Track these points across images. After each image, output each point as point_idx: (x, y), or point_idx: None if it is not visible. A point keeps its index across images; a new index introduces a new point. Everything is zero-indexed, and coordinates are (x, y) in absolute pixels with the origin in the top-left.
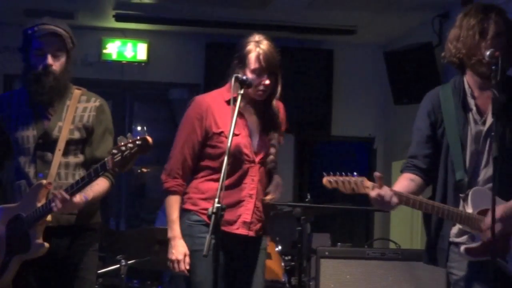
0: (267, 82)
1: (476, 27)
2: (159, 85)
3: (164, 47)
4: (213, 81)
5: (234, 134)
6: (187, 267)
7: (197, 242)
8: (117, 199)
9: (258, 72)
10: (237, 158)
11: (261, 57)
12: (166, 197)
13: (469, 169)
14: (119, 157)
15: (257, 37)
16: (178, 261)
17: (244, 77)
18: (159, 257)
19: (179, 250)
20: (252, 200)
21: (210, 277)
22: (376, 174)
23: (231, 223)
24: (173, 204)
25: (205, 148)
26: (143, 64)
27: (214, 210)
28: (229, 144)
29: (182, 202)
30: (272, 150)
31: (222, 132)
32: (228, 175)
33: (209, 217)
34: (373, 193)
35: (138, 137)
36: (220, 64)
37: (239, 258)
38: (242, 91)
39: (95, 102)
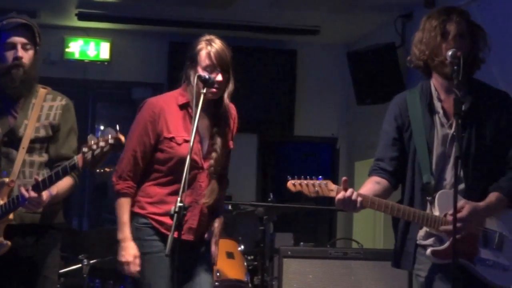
0: (220, 78)
1: (438, 28)
2: (122, 84)
3: (127, 46)
4: (177, 81)
5: (185, 141)
6: (138, 269)
7: (146, 245)
8: (80, 199)
9: (210, 69)
10: (185, 164)
11: (212, 54)
12: (116, 199)
13: (436, 172)
14: (90, 156)
15: (208, 36)
16: (128, 263)
17: (207, 76)
18: None
19: (129, 252)
20: (199, 206)
21: (159, 280)
22: (343, 178)
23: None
24: (123, 206)
25: (155, 152)
26: (106, 63)
27: (176, 209)
28: (191, 145)
29: (132, 204)
30: (214, 155)
31: (173, 137)
32: (176, 180)
33: (171, 216)
34: (338, 196)
35: (110, 136)
36: (183, 63)
37: (185, 263)
38: (204, 90)
39: (61, 101)
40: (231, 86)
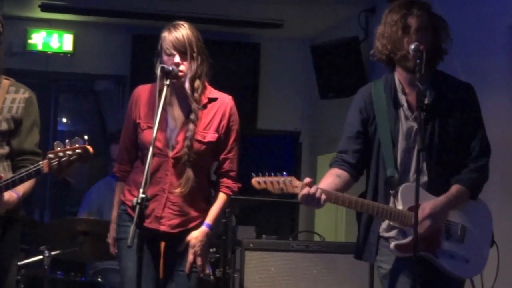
0: (177, 59)
1: (399, 22)
2: (85, 76)
3: (90, 38)
4: (140, 73)
5: (149, 127)
6: (116, 251)
7: (121, 230)
8: (41, 190)
9: (169, 52)
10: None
11: (168, 38)
12: (116, 182)
13: (400, 166)
14: (56, 163)
15: (173, 23)
16: (110, 245)
17: (171, 68)
18: (83, 248)
19: (110, 234)
20: (165, 194)
21: (131, 266)
22: (306, 179)
23: (146, 217)
24: (117, 189)
25: (136, 137)
26: (69, 55)
27: (139, 201)
28: (154, 135)
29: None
30: (186, 143)
31: (139, 123)
32: (143, 168)
33: (133, 208)
34: (302, 192)
35: (78, 145)
36: (146, 56)
37: (165, 251)
38: (168, 82)
39: (24, 93)
40: (193, 69)
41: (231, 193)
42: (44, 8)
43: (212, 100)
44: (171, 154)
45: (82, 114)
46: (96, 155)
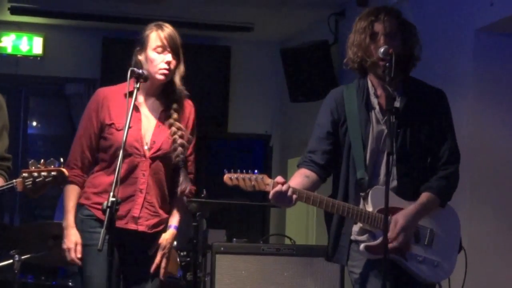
0: (169, 58)
1: (367, 29)
2: (55, 79)
3: (60, 41)
4: (110, 76)
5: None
6: (79, 256)
7: (88, 237)
8: (11, 194)
9: (160, 49)
10: (126, 151)
11: (162, 35)
12: (64, 187)
13: (369, 168)
14: (30, 183)
15: (156, 22)
16: (69, 250)
17: (141, 71)
18: (54, 252)
19: (70, 239)
20: (142, 194)
21: (99, 273)
22: (278, 177)
23: (121, 217)
24: (69, 193)
25: (100, 140)
26: (38, 58)
27: (109, 204)
28: (124, 138)
29: (80, 196)
30: (180, 141)
31: (112, 123)
32: (111, 170)
33: (104, 211)
34: (274, 190)
35: (53, 167)
36: (117, 59)
37: (132, 253)
38: (138, 85)
39: None
40: (182, 69)
41: (190, 196)
42: (14, 11)
43: (185, 97)
44: (148, 154)
45: (52, 117)
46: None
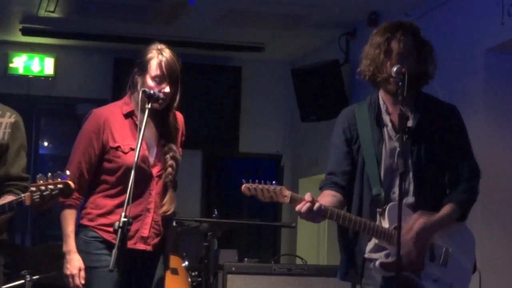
0: (167, 90)
1: (382, 46)
2: (66, 100)
3: (72, 61)
4: (121, 96)
5: (131, 149)
6: (82, 282)
7: (94, 259)
8: (22, 214)
9: (159, 79)
10: (135, 172)
11: (163, 64)
12: (61, 211)
13: (385, 185)
14: (38, 197)
15: (159, 45)
16: (73, 276)
17: (152, 92)
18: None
19: (74, 264)
20: (150, 214)
21: None
22: (308, 194)
23: (130, 238)
24: (68, 217)
25: (102, 162)
26: (50, 78)
27: (121, 225)
28: (136, 159)
29: (80, 217)
30: (171, 162)
31: (119, 146)
32: (126, 190)
33: (116, 231)
34: (307, 206)
35: (59, 180)
36: (128, 79)
37: (137, 273)
38: (149, 106)
39: (10, 117)
40: (178, 98)
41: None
42: (25, 32)
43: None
44: (154, 173)
45: (63, 137)
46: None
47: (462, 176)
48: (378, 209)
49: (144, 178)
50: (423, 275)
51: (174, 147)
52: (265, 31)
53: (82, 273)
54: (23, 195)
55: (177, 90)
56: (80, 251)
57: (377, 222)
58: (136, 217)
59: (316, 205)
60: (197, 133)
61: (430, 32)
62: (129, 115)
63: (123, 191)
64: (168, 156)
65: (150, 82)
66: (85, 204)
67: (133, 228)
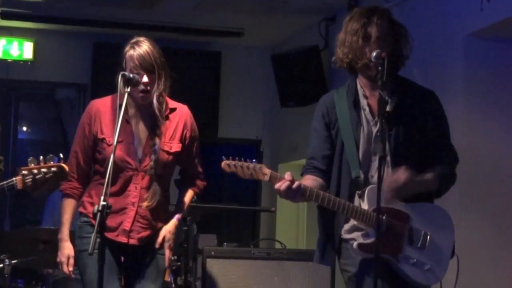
0: (145, 79)
1: (359, 31)
2: (46, 84)
3: (51, 46)
4: (101, 81)
5: (118, 142)
6: (71, 269)
7: (84, 242)
8: (1, 199)
9: (135, 71)
10: (118, 166)
11: (134, 56)
12: (62, 199)
13: (362, 168)
14: (30, 180)
15: (135, 39)
16: (62, 263)
17: (131, 75)
18: (44, 257)
19: (63, 252)
20: (134, 208)
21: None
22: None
23: (113, 229)
24: (65, 206)
25: (95, 153)
26: (29, 63)
27: (100, 208)
28: (114, 147)
29: (79, 205)
30: (153, 156)
31: (104, 138)
32: (113, 182)
33: (94, 215)
34: (286, 184)
35: (53, 163)
36: (107, 64)
37: (127, 265)
38: (128, 89)
39: None
40: (160, 87)
41: (198, 191)
42: (4, 15)
43: (172, 110)
44: (140, 167)
45: (42, 122)
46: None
47: (440, 161)
48: (357, 191)
49: (129, 171)
50: (401, 257)
51: (157, 141)
52: (245, 16)
53: (71, 261)
54: (14, 178)
55: (156, 79)
56: (76, 236)
57: (356, 204)
58: (120, 210)
59: (296, 183)
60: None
61: (410, 18)
62: (120, 107)
63: (113, 182)
64: (152, 149)
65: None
66: (83, 192)
67: (117, 220)
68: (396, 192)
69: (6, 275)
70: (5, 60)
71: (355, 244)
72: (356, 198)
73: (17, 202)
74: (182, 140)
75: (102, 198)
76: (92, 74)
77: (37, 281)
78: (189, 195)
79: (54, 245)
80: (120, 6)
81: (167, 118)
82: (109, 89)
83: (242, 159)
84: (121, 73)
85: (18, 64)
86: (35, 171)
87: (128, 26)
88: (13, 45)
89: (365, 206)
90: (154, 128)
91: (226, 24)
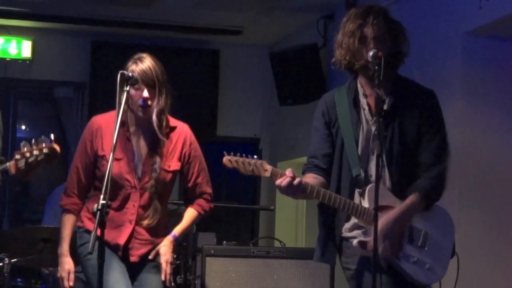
0: (145, 94)
1: (356, 33)
2: (44, 83)
3: (49, 44)
4: (99, 80)
5: (116, 159)
6: (71, 284)
7: (87, 246)
8: (0, 197)
9: (136, 86)
10: (117, 183)
11: (138, 70)
12: (62, 214)
13: (362, 167)
14: (23, 165)
15: (138, 55)
16: (62, 279)
17: (131, 74)
18: (43, 255)
19: (63, 267)
20: (131, 225)
21: (112, 280)
22: (289, 169)
23: (111, 246)
24: (65, 222)
25: (95, 169)
26: (27, 61)
27: (99, 207)
28: (110, 160)
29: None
30: (154, 175)
31: (104, 155)
32: (111, 198)
33: (94, 214)
34: (288, 180)
35: (44, 145)
36: (106, 62)
37: (131, 274)
38: (128, 88)
39: None
40: (160, 104)
41: (202, 212)
42: (2, 14)
43: (172, 129)
44: (139, 185)
45: (41, 121)
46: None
47: (426, 162)
48: (358, 190)
49: (127, 190)
50: (402, 256)
51: (158, 159)
52: (243, 15)
53: (72, 276)
54: (8, 163)
55: (156, 95)
56: (78, 245)
57: (357, 201)
58: (118, 226)
59: (297, 180)
60: (175, 117)
61: (408, 16)
62: (122, 125)
63: (112, 198)
64: (152, 168)
65: (131, 91)
66: (82, 207)
67: (113, 234)
68: (385, 238)
69: (6, 274)
70: (4, 58)
71: (355, 241)
72: (357, 196)
73: (16, 201)
74: (181, 159)
75: (101, 196)
76: (90, 73)
77: (37, 280)
78: (190, 216)
79: (53, 244)
80: (118, 4)
81: (167, 136)
82: (108, 87)
83: (244, 155)
84: (120, 72)
85: (17, 62)
86: (28, 154)
87: (126, 24)
88: (12, 43)
89: (365, 204)
90: (154, 146)
91: (224, 22)
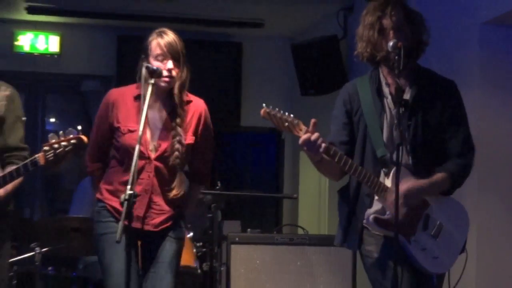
0: (170, 65)
1: (375, 25)
2: (72, 77)
3: (77, 39)
4: (125, 73)
5: (130, 131)
6: None
7: (103, 226)
8: (31, 188)
9: (161, 58)
10: (132, 154)
11: (162, 43)
12: (91, 181)
13: (388, 149)
14: (52, 155)
15: (160, 29)
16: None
17: (155, 67)
18: (73, 244)
19: None
20: (147, 195)
21: (118, 259)
22: (312, 120)
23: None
24: (97, 184)
25: (112, 139)
26: (55, 56)
27: (127, 197)
28: (140, 136)
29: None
30: (177, 146)
31: (119, 127)
32: (126, 170)
33: (122, 203)
34: (304, 136)
35: (72, 136)
36: (131, 56)
37: (143, 249)
38: (153, 81)
39: (5, 91)
40: (183, 77)
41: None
42: (31, 10)
43: (187, 102)
44: (153, 156)
45: (69, 113)
46: (83, 154)
47: (454, 151)
48: (383, 169)
49: (142, 160)
50: (413, 240)
51: (180, 131)
52: (265, 7)
53: None
54: (37, 155)
55: (180, 68)
56: (94, 221)
57: (381, 179)
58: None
59: (322, 139)
60: None
61: (426, 6)
62: (138, 98)
63: (127, 169)
64: (175, 140)
65: (153, 62)
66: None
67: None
68: (404, 200)
69: (37, 263)
70: (32, 53)
71: (371, 217)
72: (382, 176)
73: (47, 192)
74: (195, 133)
75: (128, 187)
76: (116, 66)
77: (67, 268)
78: (196, 191)
79: (83, 233)
80: None
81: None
82: (133, 80)
83: (282, 111)
84: (145, 65)
85: (45, 57)
86: (56, 145)
87: (150, 18)
88: (40, 39)
89: (388, 183)
90: (173, 118)
91: (246, 15)
